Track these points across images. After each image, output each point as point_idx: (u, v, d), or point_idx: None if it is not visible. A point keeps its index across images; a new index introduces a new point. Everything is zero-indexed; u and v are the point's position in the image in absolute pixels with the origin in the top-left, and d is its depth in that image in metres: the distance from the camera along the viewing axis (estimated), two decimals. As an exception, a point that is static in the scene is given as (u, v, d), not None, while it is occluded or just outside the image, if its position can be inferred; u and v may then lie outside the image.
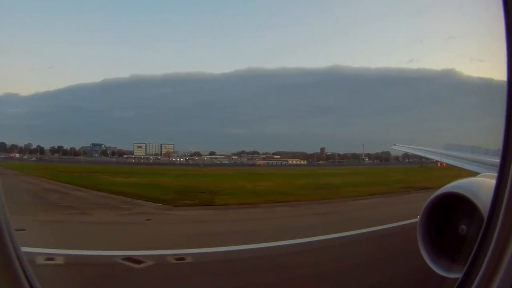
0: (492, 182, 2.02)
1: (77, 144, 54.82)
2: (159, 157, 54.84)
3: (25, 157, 50.66)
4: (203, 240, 9.43)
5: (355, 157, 57.30)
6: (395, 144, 15.35)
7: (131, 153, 56.01)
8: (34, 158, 50.16)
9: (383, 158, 55.97)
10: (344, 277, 6.54)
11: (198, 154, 56.01)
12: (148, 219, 12.92)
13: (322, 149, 57.49)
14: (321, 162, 55.40)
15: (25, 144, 52.59)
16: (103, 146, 57.00)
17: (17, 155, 50.61)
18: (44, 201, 16.18)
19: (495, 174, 1.88)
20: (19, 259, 1.59)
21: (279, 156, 54.92)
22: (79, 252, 7.53)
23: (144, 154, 55.60)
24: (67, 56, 70.29)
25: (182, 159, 54.16)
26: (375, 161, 56.14)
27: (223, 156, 55.63)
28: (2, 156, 49.05)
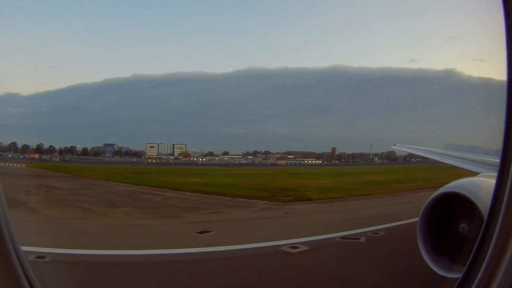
0: (492, 182, 2.02)
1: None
2: (179, 157, 55.04)
3: (46, 157, 50.57)
4: (357, 223, 10.53)
5: (363, 156, 57.40)
6: (395, 144, 15.35)
7: (142, 152, 56.05)
8: (57, 159, 49.95)
9: (391, 157, 56.06)
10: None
11: (211, 154, 56.21)
12: (286, 213, 14.07)
13: (333, 149, 57.87)
14: (334, 161, 55.70)
15: (36, 145, 52.68)
16: (115, 146, 56.98)
17: (37, 156, 50.64)
18: (162, 205, 16.60)
19: (495, 174, 1.88)
20: (19, 259, 1.59)
21: (292, 156, 55.35)
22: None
23: (157, 154, 55.72)
24: (69, 56, 70.48)
25: (203, 159, 54.44)
26: (384, 160, 56.21)
27: (239, 156, 55.92)
28: (20, 156, 49.38)
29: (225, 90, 63.27)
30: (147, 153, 55.75)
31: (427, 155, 11.34)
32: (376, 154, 57.10)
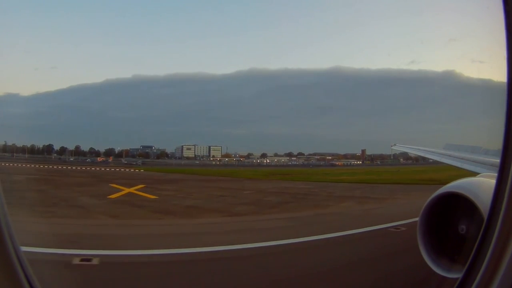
0: (492, 182, 2.02)
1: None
2: (241, 159, 55.39)
3: (100, 160, 50.35)
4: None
5: (383, 157, 57.64)
6: (395, 144, 15.36)
7: (171, 154, 55.94)
8: (125, 162, 49.87)
9: (414, 158, 56.10)
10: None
11: (250, 155, 56.47)
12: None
13: (363, 151, 58.25)
14: (366, 162, 56.19)
15: (106, 149, 52.58)
16: (153, 148, 56.93)
17: (102, 159, 50.47)
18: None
19: (495, 174, 1.88)
20: (19, 259, 1.59)
21: (318, 157, 55.93)
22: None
23: (193, 155, 55.82)
24: (69, 56, 70.52)
25: (259, 161, 54.84)
26: (408, 161, 56.24)
27: (287, 158, 56.32)
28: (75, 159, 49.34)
29: (226, 91, 63.36)
30: (184, 155, 55.69)
31: (427, 155, 11.34)
32: (394, 155, 57.14)
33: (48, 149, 51.65)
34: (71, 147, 52.87)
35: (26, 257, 1.66)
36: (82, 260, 6.49)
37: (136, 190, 21.97)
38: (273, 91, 63.50)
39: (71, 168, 40.89)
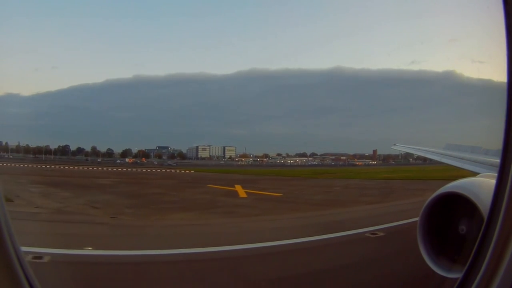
0: (492, 182, 2.02)
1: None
2: (259, 159, 55.50)
3: (128, 160, 49.90)
4: None
5: (392, 157, 57.61)
6: (395, 144, 15.35)
7: (184, 154, 55.77)
8: (156, 162, 49.50)
9: (422, 158, 55.98)
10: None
11: (266, 155, 56.45)
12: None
13: (375, 151, 58.31)
14: (379, 162, 56.26)
15: (138, 150, 52.23)
16: (169, 148, 56.75)
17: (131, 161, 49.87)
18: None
19: (495, 174, 1.88)
20: (19, 259, 1.59)
21: (334, 157, 56.12)
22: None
23: (208, 155, 55.72)
24: (70, 57, 70.39)
25: (282, 161, 54.95)
26: (417, 160, 56.18)
27: (305, 159, 56.40)
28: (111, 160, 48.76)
29: (227, 91, 63.38)
30: (199, 155, 55.56)
31: (427, 155, 11.33)
32: (402, 155, 57.05)
33: (64, 150, 51.25)
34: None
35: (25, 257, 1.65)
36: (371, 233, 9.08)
37: (249, 190, 22.78)
38: (274, 91, 63.57)
39: (115, 169, 39.86)
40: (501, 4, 1.68)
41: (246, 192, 21.38)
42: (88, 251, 7.32)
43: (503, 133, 1.76)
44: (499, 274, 1.65)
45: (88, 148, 53.67)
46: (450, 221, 3.05)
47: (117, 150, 53.61)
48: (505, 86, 1.74)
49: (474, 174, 4.94)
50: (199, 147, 55.59)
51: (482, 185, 3.05)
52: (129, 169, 41.03)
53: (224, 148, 56.61)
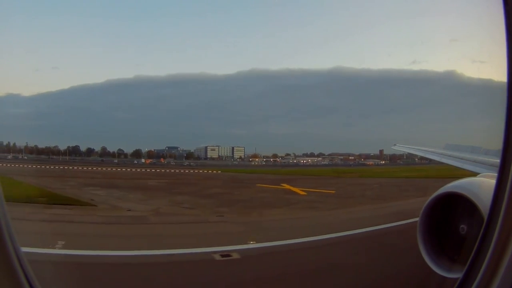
0: (492, 182, 2.02)
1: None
2: (272, 159, 55.24)
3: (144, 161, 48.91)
4: None
5: (399, 157, 57.64)
6: (395, 144, 15.38)
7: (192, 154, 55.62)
8: (173, 163, 48.60)
9: (427, 158, 55.85)
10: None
11: (275, 156, 56.43)
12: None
13: (381, 151, 58.16)
14: (386, 162, 56.32)
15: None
16: (179, 149, 56.59)
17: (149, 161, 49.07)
18: None
19: (495, 174, 1.88)
20: (19, 259, 1.59)
21: (342, 157, 56.23)
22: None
23: (217, 156, 55.65)
24: (71, 57, 69.90)
25: (295, 161, 54.65)
26: (422, 160, 56.03)
27: (316, 158, 56.34)
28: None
29: (227, 91, 63.24)
30: (208, 155, 55.52)
31: (427, 155, 11.34)
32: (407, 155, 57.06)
33: (74, 150, 50.93)
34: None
35: (25, 257, 1.65)
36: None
37: (300, 188, 23.10)
38: (274, 91, 63.47)
39: (143, 170, 39.33)
40: (501, 3, 1.68)
41: (301, 190, 22.00)
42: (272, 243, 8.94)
43: (503, 133, 1.76)
44: (499, 274, 1.65)
45: (97, 149, 53.49)
46: (450, 221, 3.05)
47: (140, 149, 53.54)
48: (506, 86, 1.74)
49: (474, 174, 4.94)
50: (208, 147, 55.58)
51: (482, 185, 3.05)
52: (153, 170, 40.52)
53: (233, 148, 56.63)
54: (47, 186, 19.86)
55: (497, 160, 1.97)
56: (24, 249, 1.72)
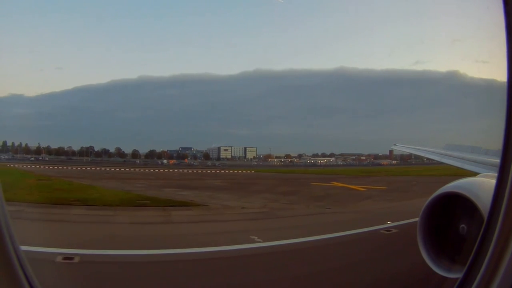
0: (492, 182, 2.02)
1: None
2: (289, 160, 55.24)
3: (162, 162, 49.32)
4: None
5: (407, 158, 57.59)
6: (395, 144, 15.38)
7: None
8: (196, 163, 49.29)
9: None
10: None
11: (289, 156, 56.52)
12: None
13: (391, 151, 58.14)
14: (397, 161, 56.30)
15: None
16: (192, 149, 56.56)
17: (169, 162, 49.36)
18: None
19: (495, 174, 1.88)
20: (18, 259, 1.59)
21: (354, 157, 56.40)
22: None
23: (230, 156, 55.72)
24: (75, 57, 69.87)
25: (312, 161, 54.85)
26: (431, 160, 55.61)
27: (332, 159, 56.40)
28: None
29: (231, 91, 63.24)
30: (221, 156, 55.47)
31: (427, 155, 11.34)
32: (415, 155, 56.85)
33: (88, 151, 50.73)
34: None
35: (25, 256, 1.65)
36: None
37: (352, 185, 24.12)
38: (278, 91, 63.48)
39: (176, 171, 39.56)
40: (501, 3, 1.68)
41: (357, 187, 22.98)
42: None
43: (503, 133, 1.76)
44: (499, 274, 1.65)
45: (112, 149, 53.31)
46: (450, 221, 3.05)
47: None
48: (506, 85, 1.74)
49: (474, 174, 4.94)
50: (221, 147, 55.66)
51: (482, 185, 3.05)
52: (185, 170, 40.82)
53: (245, 148, 56.65)
54: (125, 189, 19.87)
55: (497, 160, 1.97)
56: (24, 249, 1.72)
